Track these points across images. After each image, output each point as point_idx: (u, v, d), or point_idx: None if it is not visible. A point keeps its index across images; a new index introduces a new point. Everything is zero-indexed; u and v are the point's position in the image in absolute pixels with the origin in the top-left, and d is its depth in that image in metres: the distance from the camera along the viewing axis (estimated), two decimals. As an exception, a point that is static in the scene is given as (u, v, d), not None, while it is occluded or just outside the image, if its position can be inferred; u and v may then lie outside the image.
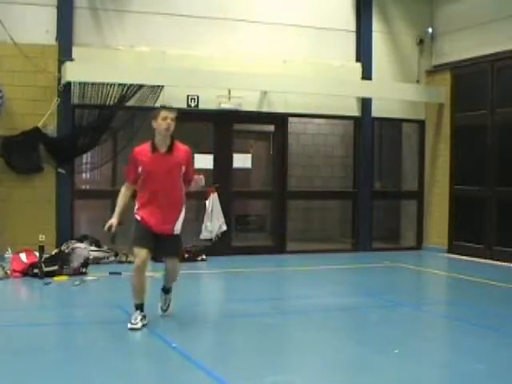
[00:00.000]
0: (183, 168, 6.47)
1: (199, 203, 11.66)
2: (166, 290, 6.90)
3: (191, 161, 6.67)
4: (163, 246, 6.48)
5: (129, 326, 6.30)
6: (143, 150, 6.45)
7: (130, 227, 6.50)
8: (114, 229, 6.44)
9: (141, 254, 6.32)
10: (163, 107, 6.56)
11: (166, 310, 6.93)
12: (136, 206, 6.50)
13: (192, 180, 6.64)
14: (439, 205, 13.03)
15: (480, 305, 7.99)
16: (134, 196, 6.65)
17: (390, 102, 12.99)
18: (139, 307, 6.43)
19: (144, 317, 6.42)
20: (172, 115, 6.37)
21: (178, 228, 6.51)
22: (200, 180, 6.69)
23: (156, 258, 6.88)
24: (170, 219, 6.46)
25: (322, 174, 14.64)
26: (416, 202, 13.51)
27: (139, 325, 6.32)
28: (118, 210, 6.52)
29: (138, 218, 6.42)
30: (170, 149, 6.42)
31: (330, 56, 12.70)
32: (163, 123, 6.31)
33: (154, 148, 6.40)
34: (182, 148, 6.52)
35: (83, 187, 12.21)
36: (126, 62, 11.25)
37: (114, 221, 6.45)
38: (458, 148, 12.69)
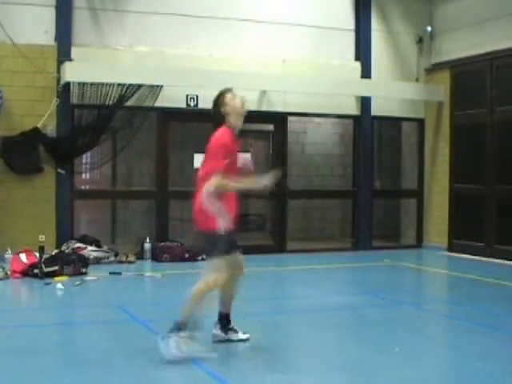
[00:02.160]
0: None
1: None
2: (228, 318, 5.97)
3: None
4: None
5: (174, 353, 5.35)
6: (230, 136, 5.68)
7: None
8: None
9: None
10: (227, 90, 5.80)
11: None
12: (220, 207, 5.52)
13: None
14: (439, 203, 13.03)
15: (481, 303, 7.98)
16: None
17: (389, 100, 12.99)
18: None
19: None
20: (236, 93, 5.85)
21: None
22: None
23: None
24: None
25: (321, 173, 14.63)
26: (416, 201, 13.51)
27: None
28: (246, 182, 5.65)
29: (226, 223, 5.52)
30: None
31: (330, 55, 12.70)
32: (239, 103, 5.75)
33: (235, 133, 5.75)
34: None
35: (83, 187, 12.20)
36: (125, 61, 11.25)
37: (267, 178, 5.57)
38: (457, 146, 12.68)
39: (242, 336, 5.97)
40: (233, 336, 5.94)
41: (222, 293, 5.87)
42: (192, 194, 5.82)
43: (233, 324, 5.98)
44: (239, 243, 5.81)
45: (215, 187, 5.47)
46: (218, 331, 5.94)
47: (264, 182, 5.54)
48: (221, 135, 5.65)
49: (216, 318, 5.96)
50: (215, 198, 5.50)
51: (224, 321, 5.94)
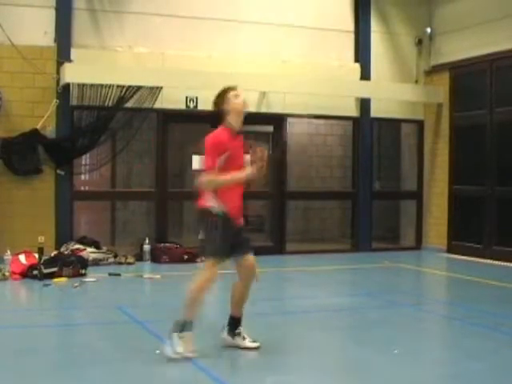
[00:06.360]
0: None
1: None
2: (237, 323, 5.78)
3: None
4: (239, 241, 5.82)
5: (171, 354, 5.35)
6: (224, 136, 5.54)
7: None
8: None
9: (218, 266, 5.62)
10: (229, 88, 5.63)
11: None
12: (213, 201, 5.53)
13: None
14: (438, 205, 13.03)
15: (479, 304, 7.98)
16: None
17: (388, 102, 12.99)
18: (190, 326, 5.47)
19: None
20: (240, 92, 5.69)
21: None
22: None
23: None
24: (242, 209, 5.73)
25: (321, 174, 14.64)
26: (415, 202, 13.51)
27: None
28: (234, 175, 5.52)
29: (221, 213, 5.50)
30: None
31: (329, 56, 12.71)
32: (239, 101, 5.60)
33: (234, 132, 5.59)
34: None
35: (82, 188, 12.19)
36: (125, 63, 11.25)
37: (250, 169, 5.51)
38: (456, 148, 12.68)
39: (249, 344, 5.71)
40: (239, 342, 5.71)
41: (232, 295, 5.86)
42: (192, 195, 5.83)
43: (241, 329, 5.76)
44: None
45: (204, 185, 5.51)
46: (224, 334, 5.80)
47: (249, 170, 5.47)
48: (213, 135, 5.57)
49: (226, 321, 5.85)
50: (212, 194, 5.52)
51: (232, 325, 5.79)
